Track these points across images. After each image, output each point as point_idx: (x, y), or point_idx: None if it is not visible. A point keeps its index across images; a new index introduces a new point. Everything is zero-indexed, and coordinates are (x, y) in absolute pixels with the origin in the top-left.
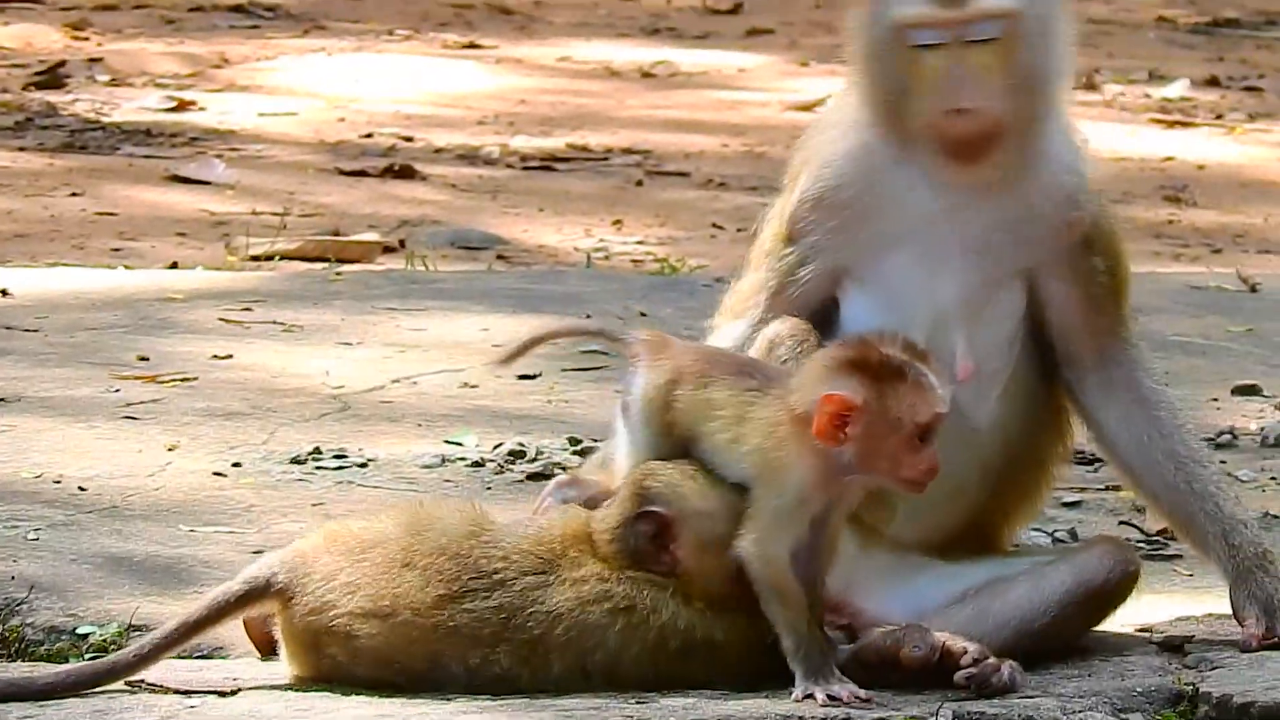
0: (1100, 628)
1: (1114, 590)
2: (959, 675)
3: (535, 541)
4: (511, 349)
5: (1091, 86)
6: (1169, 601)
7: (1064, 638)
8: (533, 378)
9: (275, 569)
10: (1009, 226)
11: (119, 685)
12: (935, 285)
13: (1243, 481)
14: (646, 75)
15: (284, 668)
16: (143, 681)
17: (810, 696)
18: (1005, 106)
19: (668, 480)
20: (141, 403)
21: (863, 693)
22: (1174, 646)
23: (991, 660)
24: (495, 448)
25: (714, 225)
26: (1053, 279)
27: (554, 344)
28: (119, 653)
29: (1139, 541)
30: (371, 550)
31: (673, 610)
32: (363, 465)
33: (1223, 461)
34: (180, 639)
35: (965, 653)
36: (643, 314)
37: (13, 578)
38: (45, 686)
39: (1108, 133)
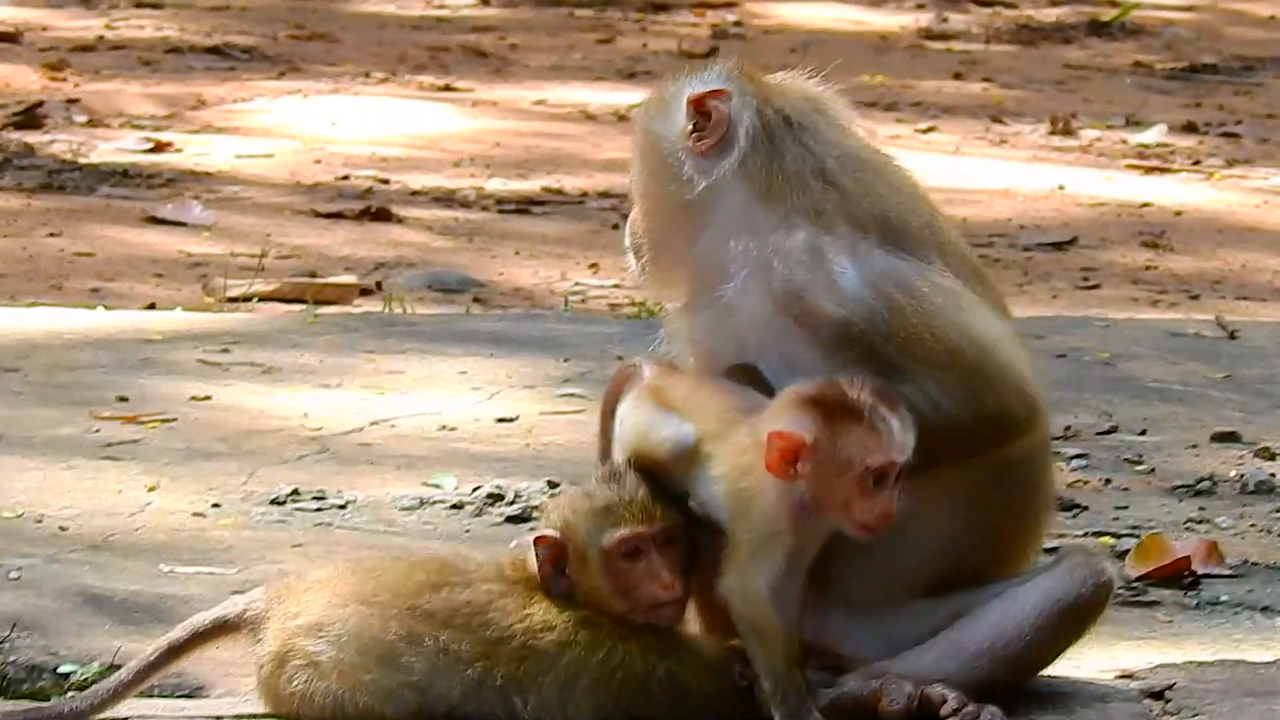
0: (1082, 675)
1: (1087, 605)
2: None
3: (498, 568)
4: None
5: (1068, 132)
6: (1149, 648)
7: (1042, 661)
8: (511, 420)
9: (252, 599)
10: None
11: None
12: None
13: (1222, 528)
14: (622, 119)
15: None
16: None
17: None
18: None
19: (563, 503)
20: (121, 443)
21: None
22: (1156, 693)
23: (970, 708)
24: (474, 490)
25: None
26: None
27: (530, 386)
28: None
29: (1119, 588)
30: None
31: (609, 645)
32: (342, 507)
33: (1202, 508)
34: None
35: (945, 701)
36: (620, 357)
37: None
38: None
39: (1084, 178)
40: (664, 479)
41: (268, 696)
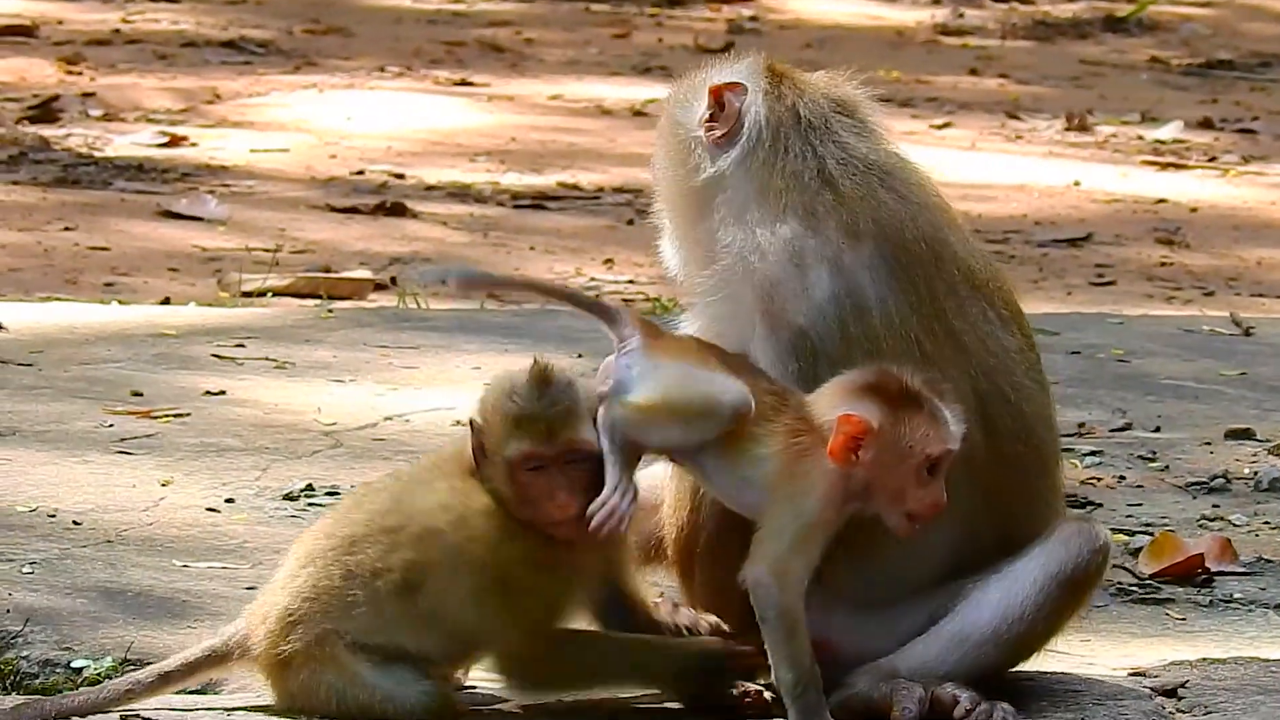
0: (1094, 673)
1: (1086, 573)
2: None
3: (433, 458)
4: (476, 275)
5: (1084, 128)
6: (1162, 645)
7: (1046, 636)
8: None
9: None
10: None
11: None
12: None
13: (1236, 526)
14: (638, 114)
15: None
16: (138, 715)
17: None
18: None
19: (488, 397)
20: (135, 438)
21: None
22: (1168, 691)
23: (984, 707)
24: None
25: None
26: None
27: None
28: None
29: (1132, 585)
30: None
31: (494, 541)
32: None
33: (1215, 506)
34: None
35: (957, 702)
36: None
37: (8, 611)
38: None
39: (1100, 174)
40: (673, 443)
41: (277, 694)
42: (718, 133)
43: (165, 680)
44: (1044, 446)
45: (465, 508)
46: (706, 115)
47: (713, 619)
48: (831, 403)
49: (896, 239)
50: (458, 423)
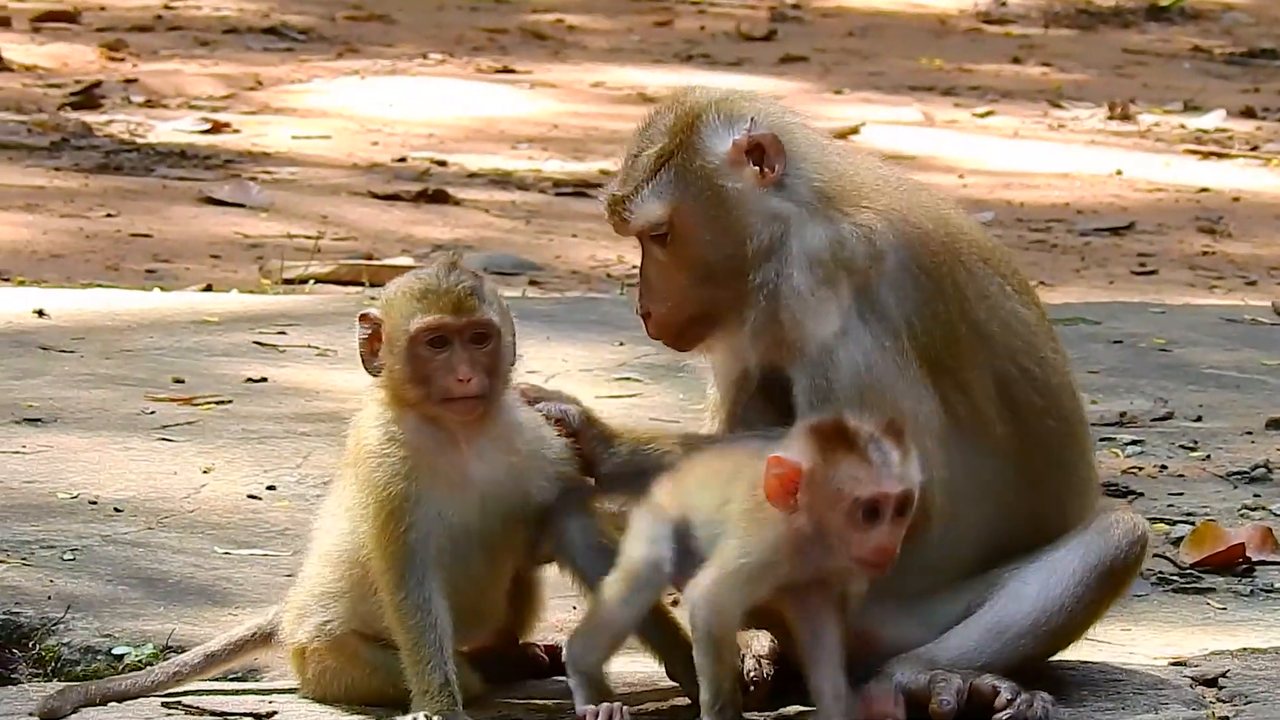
0: (1135, 663)
1: (1125, 564)
2: (996, 719)
3: None
4: None
5: (1126, 116)
6: (1202, 635)
7: (1084, 627)
8: None
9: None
10: None
11: (156, 706)
12: None
13: (1277, 515)
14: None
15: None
16: (180, 702)
17: None
18: None
19: (391, 284)
20: (177, 424)
21: None
22: (1208, 681)
23: (1023, 697)
24: None
25: None
26: None
27: (586, 369)
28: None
29: (1173, 574)
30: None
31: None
32: None
33: (1257, 495)
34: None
35: (997, 693)
36: None
37: (49, 597)
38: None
39: (1143, 163)
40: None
41: (300, 682)
42: (771, 176)
43: (211, 661)
44: (1071, 416)
45: None
46: (757, 169)
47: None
48: (781, 448)
49: (918, 243)
50: None
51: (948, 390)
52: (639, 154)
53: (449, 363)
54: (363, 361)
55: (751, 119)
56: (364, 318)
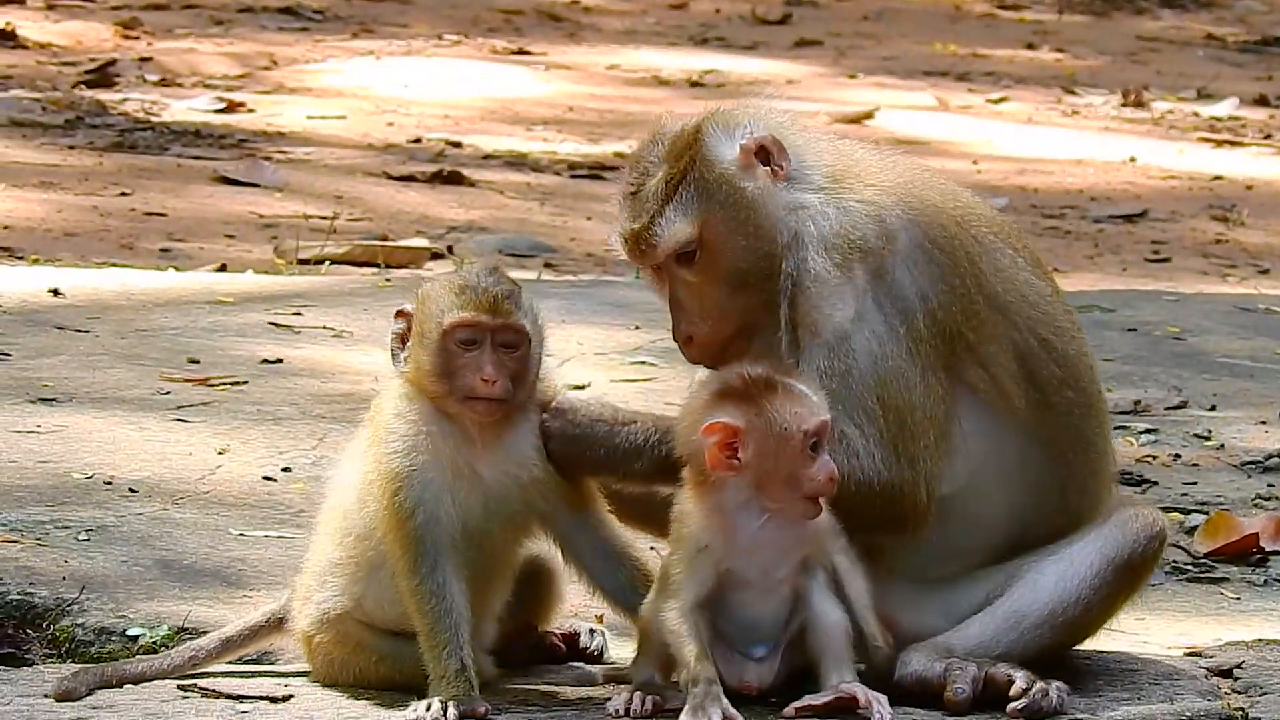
0: (1149, 651)
1: (1142, 558)
2: (1011, 708)
3: None
4: None
5: (1140, 104)
6: (1216, 625)
7: (1101, 620)
8: (582, 388)
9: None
10: None
11: (171, 689)
12: None
13: None
14: (695, 84)
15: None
16: (195, 685)
17: None
18: None
19: (430, 280)
20: (192, 405)
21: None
22: (1224, 671)
23: (1039, 686)
24: None
25: None
26: None
27: (601, 353)
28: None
29: (1187, 564)
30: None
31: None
32: None
33: (1270, 485)
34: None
35: (1011, 681)
36: None
37: (64, 578)
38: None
39: (1156, 150)
40: None
41: (310, 666)
42: (781, 172)
43: (228, 646)
44: (1090, 386)
45: None
46: (767, 168)
47: None
48: (692, 423)
49: (928, 219)
50: None
51: (967, 367)
52: (640, 187)
53: (476, 362)
54: (392, 355)
55: (748, 123)
56: (400, 313)
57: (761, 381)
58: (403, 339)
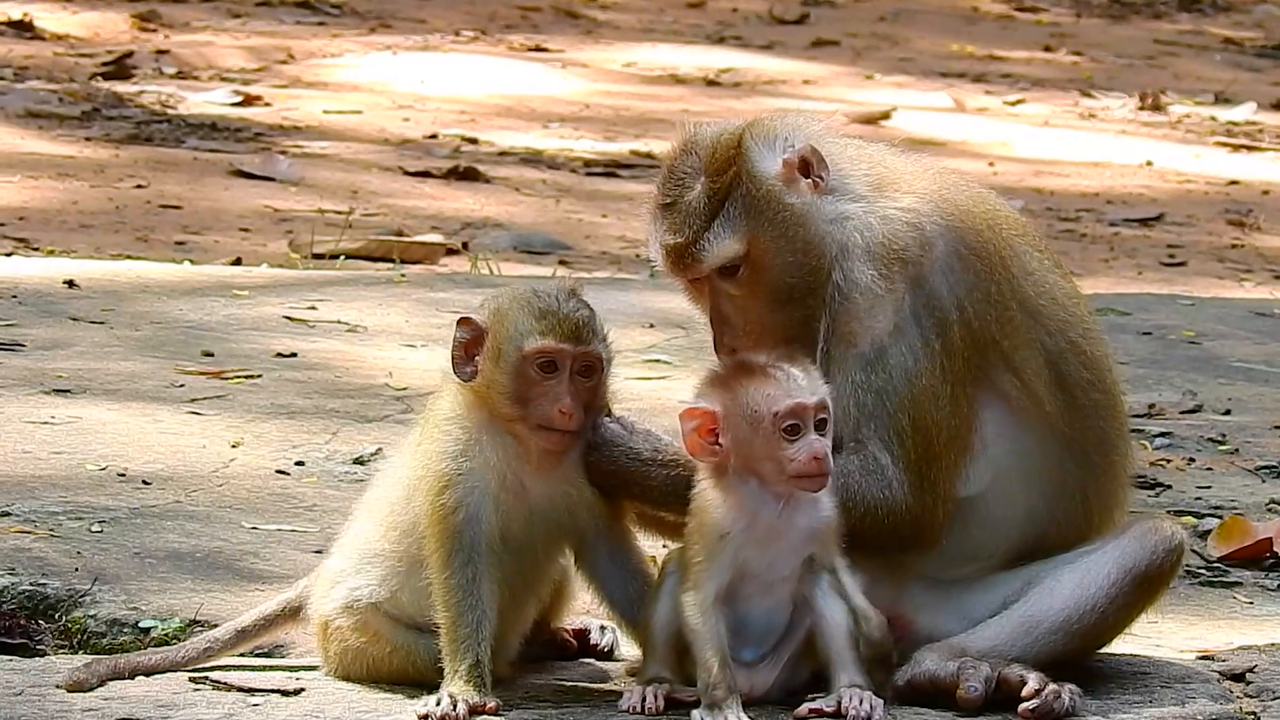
0: (1162, 654)
1: (1159, 572)
2: (1023, 709)
3: None
4: None
5: (1158, 107)
6: (1229, 629)
7: (1115, 630)
8: None
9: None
10: None
11: (183, 681)
12: None
13: None
14: (711, 83)
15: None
16: (207, 678)
17: None
18: None
19: (505, 295)
20: (206, 398)
21: None
22: (1236, 675)
23: (1051, 688)
24: None
25: None
26: None
27: (617, 350)
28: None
29: (1200, 568)
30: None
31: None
32: None
33: None
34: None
35: (1024, 683)
36: None
37: (76, 569)
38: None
39: (1172, 154)
40: None
41: (324, 657)
42: (823, 184)
43: (242, 637)
44: (1113, 387)
45: None
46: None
47: None
48: (692, 403)
49: (962, 224)
50: None
51: (1000, 375)
52: (677, 199)
53: (554, 392)
54: (453, 363)
55: (787, 135)
56: (466, 321)
57: (743, 367)
58: (466, 348)
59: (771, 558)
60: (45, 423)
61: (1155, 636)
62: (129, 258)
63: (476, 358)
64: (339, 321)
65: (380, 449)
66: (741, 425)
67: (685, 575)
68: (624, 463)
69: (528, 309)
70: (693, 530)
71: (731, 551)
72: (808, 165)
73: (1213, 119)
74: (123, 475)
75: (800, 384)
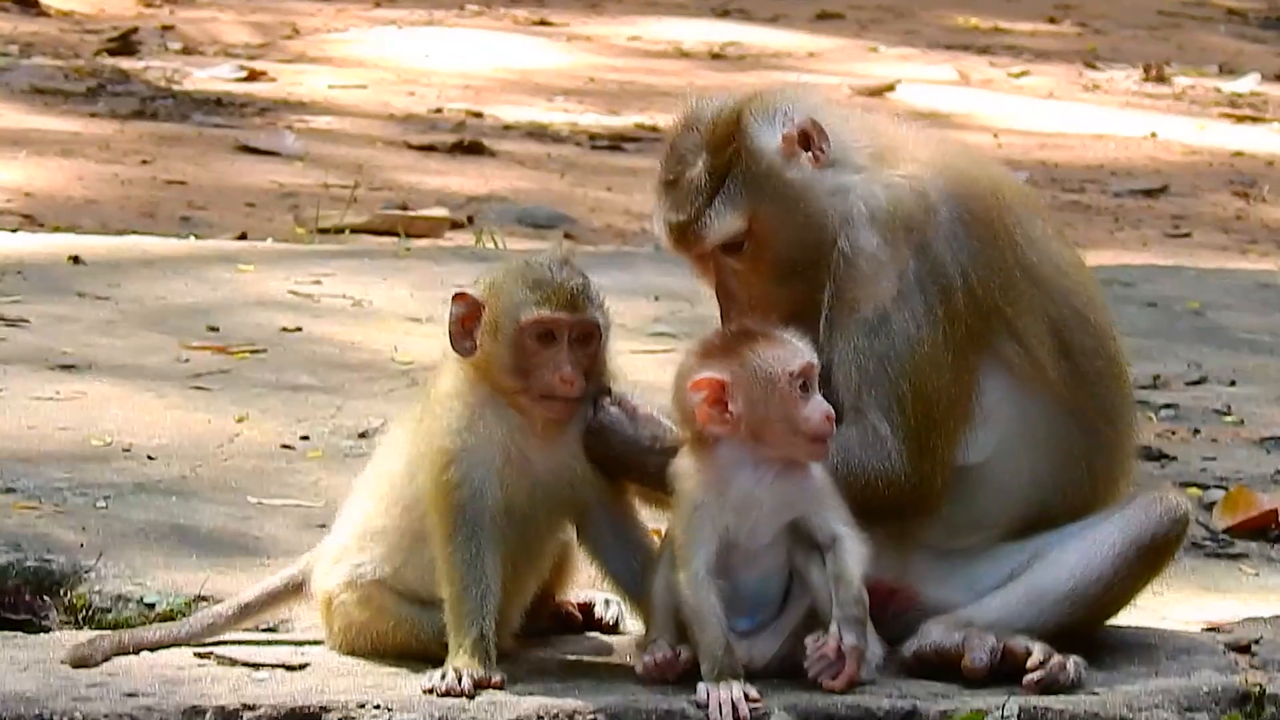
0: (1167, 625)
1: (1164, 542)
2: (1028, 679)
3: None
4: None
5: (1162, 79)
6: (1236, 601)
7: (1121, 600)
8: None
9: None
10: None
11: (187, 656)
12: None
13: None
14: (716, 56)
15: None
16: (212, 653)
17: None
18: None
19: (499, 269)
20: (211, 373)
21: (754, 692)
22: (1241, 647)
23: (1056, 659)
24: None
25: None
26: None
27: (620, 324)
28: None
29: (1205, 539)
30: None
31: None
32: None
33: None
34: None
35: (1029, 653)
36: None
37: (81, 545)
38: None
39: (1177, 125)
40: None
41: (328, 631)
42: (824, 156)
43: (246, 612)
44: (1117, 355)
45: None
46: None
47: None
48: (681, 390)
49: (965, 190)
50: None
51: (1003, 342)
52: (679, 176)
53: (555, 360)
54: (451, 339)
55: (787, 108)
56: (461, 296)
57: (741, 334)
58: (463, 323)
59: (752, 525)
60: (50, 398)
61: (1161, 608)
62: (134, 233)
63: (474, 332)
64: (344, 296)
65: (385, 423)
66: (755, 388)
67: (670, 552)
68: (621, 450)
69: (522, 280)
70: (674, 506)
71: (709, 522)
72: (808, 138)
73: (1217, 90)
74: (128, 450)
75: (799, 342)
